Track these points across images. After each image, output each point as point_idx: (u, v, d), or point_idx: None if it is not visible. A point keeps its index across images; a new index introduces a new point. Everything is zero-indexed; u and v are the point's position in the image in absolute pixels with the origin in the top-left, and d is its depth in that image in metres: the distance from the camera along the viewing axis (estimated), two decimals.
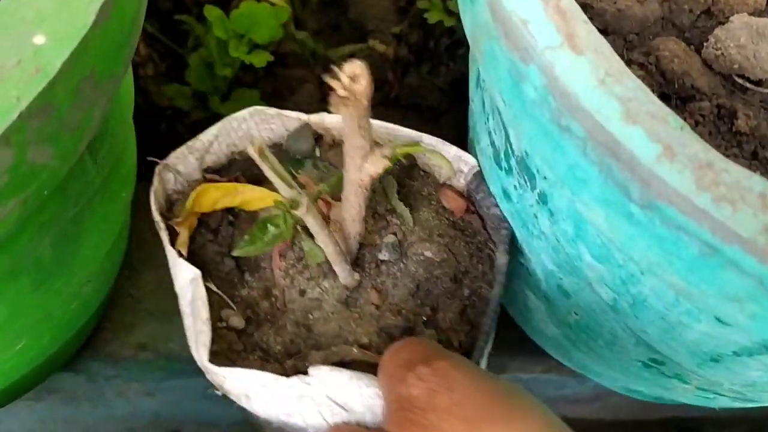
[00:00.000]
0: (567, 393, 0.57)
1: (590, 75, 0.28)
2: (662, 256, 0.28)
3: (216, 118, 0.73)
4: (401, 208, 0.47)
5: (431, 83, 0.81)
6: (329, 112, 0.32)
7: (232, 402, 0.46)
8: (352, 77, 0.28)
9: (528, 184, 0.39)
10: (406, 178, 0.48)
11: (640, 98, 0.27)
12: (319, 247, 0.45)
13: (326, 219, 0.41)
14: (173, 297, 0.64)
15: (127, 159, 0.49)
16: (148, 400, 0.63)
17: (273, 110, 0.47)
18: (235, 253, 0.39)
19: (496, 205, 0.46)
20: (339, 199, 0.45)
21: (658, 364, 0.40)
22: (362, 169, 0.34)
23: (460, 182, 0.48)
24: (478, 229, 0.48)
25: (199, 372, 0.61)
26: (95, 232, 0.45)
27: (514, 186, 0.41)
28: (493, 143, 0.43)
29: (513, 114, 0.33)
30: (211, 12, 0.62)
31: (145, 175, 0.53)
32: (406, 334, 0.45)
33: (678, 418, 0.46)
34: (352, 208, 0.39)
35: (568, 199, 0.34)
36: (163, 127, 0.72)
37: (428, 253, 0.46)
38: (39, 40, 0.29)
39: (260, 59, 0.64)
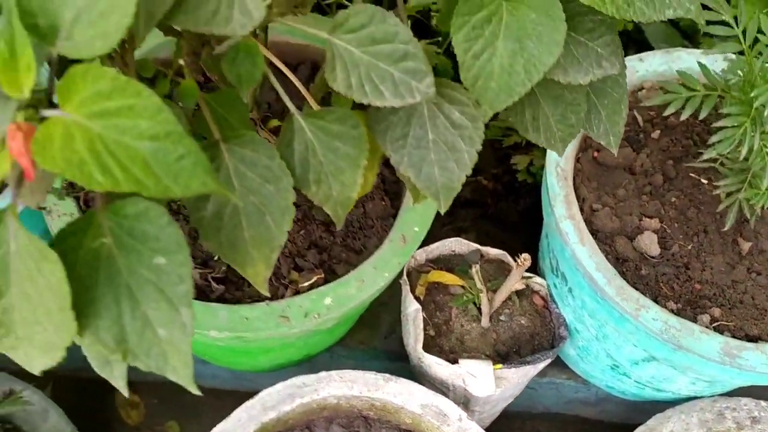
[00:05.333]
0: (580, 396, 1.10)
1: (586, 253, 0.83)
2: (605, 314, 0.83)
3: None
4: (514, 299, 1.02)
5: (514, 208, 1.37)
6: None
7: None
8: (525, 260, 0.84)
9: (564, 281, 0.93)
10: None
11: (608, 267, 0.83)
12: (476, 307, 1.00)
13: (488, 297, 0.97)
14: (380, 320, 1.19)
15: None
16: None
17: (466, 242, 1.04)
18: (452, 304, 0.96)
19: (557, 307, 1.00)
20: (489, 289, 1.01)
21: (616, 366, 0.93)
22: (513, 286, 0.90)
23: (542, 292, 1.03)
24: (547, 316, 1.02)
25: (386, 359, 1.16)
26: None
27: (557, 282, 0.96)
28: (550, 262, 0.98)
29: (559, 257, 0.88)
30: None
31: None
32: (505, 354, 0.99)
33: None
34: (501, 295, 0.94)
35: (578, 289, 0.89)
36: None
37: (522, 321, 1.01)
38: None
39: None
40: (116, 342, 0.37)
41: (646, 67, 0.96)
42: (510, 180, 1.39)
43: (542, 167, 1.25)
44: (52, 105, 0.37)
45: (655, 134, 0.94)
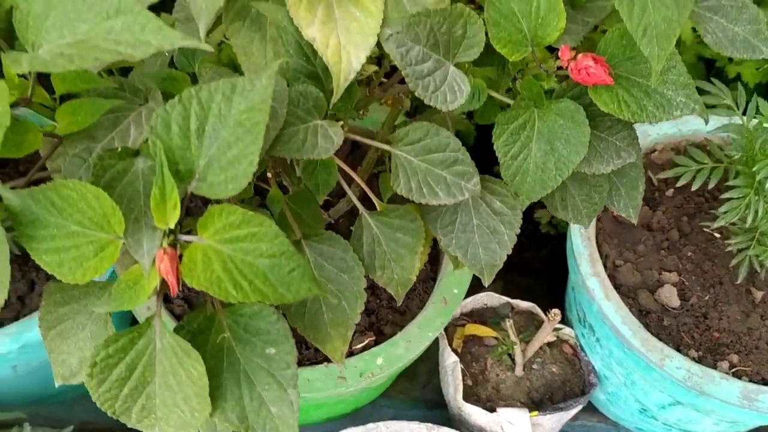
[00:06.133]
0: None
1: (612, 308, 0.91)
2: (632, 363, 0.90)
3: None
4: (545, 348, 1.09)
5: (537, 257, 1.45)
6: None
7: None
8: (555, 315, 0.92)
9: (591, 332, 1.01)
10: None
11: (633, 320, 0.90)
12: (510, 357, 1.07)
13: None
14: (418, 371, 1.27)
15: None
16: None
17: (497, 295, 1.12)
18: (490, 355, 1.03)
19: (586, 355, 1.07)
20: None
21: (645, 410, 1.00)
22: (546, 338, 0.98)
23: (571, 341, 1.11)
24: (577, 363, 1.09)
25: (425, 408, 1.23)
26: None
27: (585, 333, 1.03)
28: (577, 313, 1.06)
29: (586, 310, 0.96)
30: None
31: None
32: (539, 401, 1.06)
33: None
34: (533, 347, 1.02)
35: (605, 340, 0.96)
36: None
37: (553, 369, 1.08)
38: None
39: None
40: (240, 420, 0.46)
41: (657, 131, 1.05)
42: (533, 231, 1.48)
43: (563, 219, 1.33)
44: (183, 231, 0.46)
45: (669, 192, 1.02)
